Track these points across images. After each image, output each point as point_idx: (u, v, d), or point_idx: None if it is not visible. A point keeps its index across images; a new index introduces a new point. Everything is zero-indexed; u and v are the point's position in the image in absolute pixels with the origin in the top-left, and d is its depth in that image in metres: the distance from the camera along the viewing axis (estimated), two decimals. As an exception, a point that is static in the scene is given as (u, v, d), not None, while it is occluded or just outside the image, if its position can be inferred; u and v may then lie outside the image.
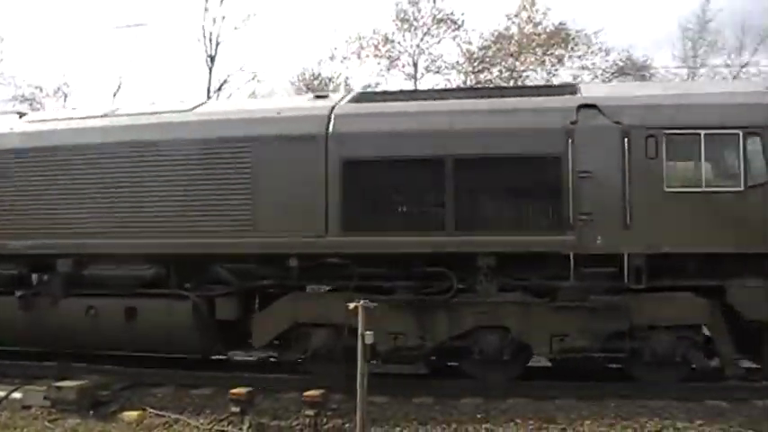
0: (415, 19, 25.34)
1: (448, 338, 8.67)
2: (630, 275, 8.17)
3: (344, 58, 26.77)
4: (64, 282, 9.74)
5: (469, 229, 8.52)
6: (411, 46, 25.47)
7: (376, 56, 25.64)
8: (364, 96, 9.86)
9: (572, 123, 8.37)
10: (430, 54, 25.50)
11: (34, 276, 9.97)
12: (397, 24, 25.53)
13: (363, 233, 8.71)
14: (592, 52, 24.92)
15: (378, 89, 22.74)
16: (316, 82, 26.61)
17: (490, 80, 24.32)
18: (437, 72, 25.61)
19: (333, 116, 9.01)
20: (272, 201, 8.94)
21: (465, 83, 24.61)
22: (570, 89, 9.43)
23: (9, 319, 9.76)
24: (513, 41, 24.81)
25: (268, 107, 9.95)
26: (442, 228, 8.57)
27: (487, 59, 24.97)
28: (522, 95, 9.39)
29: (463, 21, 25.28)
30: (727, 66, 25.32)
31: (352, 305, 7.29)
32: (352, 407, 7.44)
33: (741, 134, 8.08)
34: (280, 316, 9.12)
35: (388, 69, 25.73)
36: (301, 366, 9.31)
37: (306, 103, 9.81)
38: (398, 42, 25.55)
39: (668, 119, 8.22)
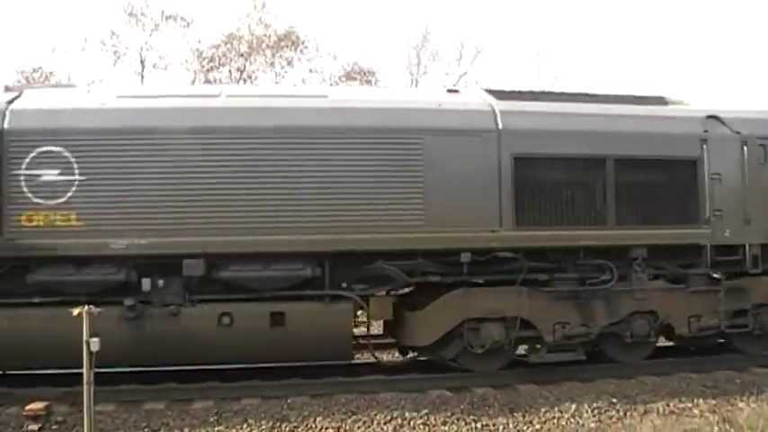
0: (143, 14, 24.54)
1: (607, 324, 9.34)
2: (750, 262, 9.69)
3: (66, 51, 26.18)
4: (189, 287, 8.35)
5: (627, 224, 9.30)
6: (138, 42, 24.64)
7: (101, 50, 24.53)
8: (505, 94, 9.94)
9: (705, 131, 9.66)
10: (157, 51, 24.99)
11: (145, 282, 8.31)
12: (124, 18, 24.68)
13: (535, 227, 8.98)
14: (320, 56, 26.08)
15: (104, 84, 20.93)
16: (36, 75, 24.46)
17: (220, 80, 24.21)
18: (165, 69, 25.09)
19: (498, 112, 9.11)
20: (445, 194, 8.73)
21: (194, 82, 24.31)
22: (662, 100, 10.62)
23: (112, 334, 8.05)
24: (243, 42, 24.91)
25: (422, 98, 9.55)
26: (605, 222, 9.22)
27: (217, 59, 24.94)
28: (628, 103, 10.25)
29: (193, 19, 25.17)
30: (447, 75, 28.53)
31: (75, 311, 6.76)
32: (79, 418, 7.06)
33: None
34: (450, 312, 8.92)
35: (114, 64, 24.78)
36: (455, 363, 9.19)
37: (453, 97, 9.61)
38: (125, 37, 24.63)
39: None
